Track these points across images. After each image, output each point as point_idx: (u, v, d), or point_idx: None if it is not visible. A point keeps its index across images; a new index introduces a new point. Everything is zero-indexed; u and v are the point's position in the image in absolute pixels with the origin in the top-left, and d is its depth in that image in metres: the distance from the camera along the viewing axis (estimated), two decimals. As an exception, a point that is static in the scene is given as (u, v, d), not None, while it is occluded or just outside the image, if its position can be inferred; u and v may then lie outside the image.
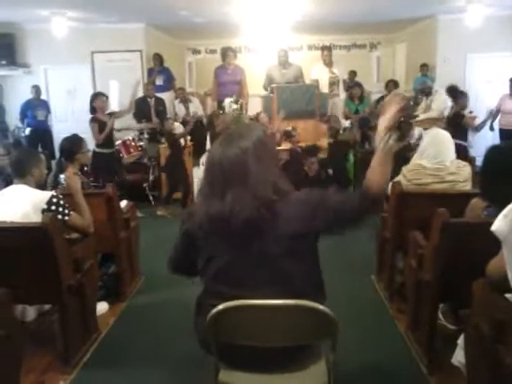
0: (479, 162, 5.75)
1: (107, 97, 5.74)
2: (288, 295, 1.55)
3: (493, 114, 6.60)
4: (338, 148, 6.07)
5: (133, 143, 6.31)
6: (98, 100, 5.50)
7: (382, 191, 1.63)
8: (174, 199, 5.91)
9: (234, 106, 6.63)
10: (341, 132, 6.73)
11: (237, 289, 1.60)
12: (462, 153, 5.12)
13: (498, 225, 1.55)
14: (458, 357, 2.09)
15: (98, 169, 5.02)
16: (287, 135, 5.74)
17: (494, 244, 1.68)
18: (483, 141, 6.48)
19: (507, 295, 1.65)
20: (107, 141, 5.57)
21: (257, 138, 1.65)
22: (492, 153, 2.37)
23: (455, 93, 5.98)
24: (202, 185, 1.70)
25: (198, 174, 6.26)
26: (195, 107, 7.58)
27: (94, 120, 5.52)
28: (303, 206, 1.61)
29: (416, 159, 3.31)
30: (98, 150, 5.54)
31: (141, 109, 6.95)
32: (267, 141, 1.74)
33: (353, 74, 8.80)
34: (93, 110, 5.54)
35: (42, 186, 2.86)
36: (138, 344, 2.86)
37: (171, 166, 5.82)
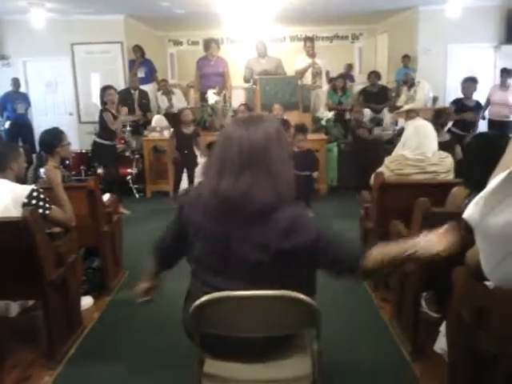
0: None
1: (115, 89, 5.72)
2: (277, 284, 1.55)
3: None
4: None
5: (115, 136, 6.23)
6: (106, 94, 5.54)
7: (376, 271, 1.59)
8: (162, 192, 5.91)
9: (216, 98, 6.61)
10: (323, 123, 6.75)
11: (218, 276, 1.60)
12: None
13: (469, 212, 1.54)
14: (441, 344, 2.13)
15: (97, 159, 4.98)
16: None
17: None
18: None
19: (487, 283, 1.68)
20: (111, 133, 5.54)
21: (278, 127, 1.65)
22: (479, 140, 2.41)
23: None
24: (210, 161, 1.64)
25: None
26: (178, 99, 7.51)
27: (106, 109, 5.53)
28: (306, 242, 1.53)
29: (398, 150, 3.35)
30: (99, 140, 5.52)
31: (124, 101, 6.86)
32: (284, 133, 1.71)
33: (349, 67, 8.89)
34: (103, 104, 5.56)
35: (21, 180, 2.82)
36: (122, 338, 2.85)
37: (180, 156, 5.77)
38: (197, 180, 5.79)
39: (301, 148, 5.06)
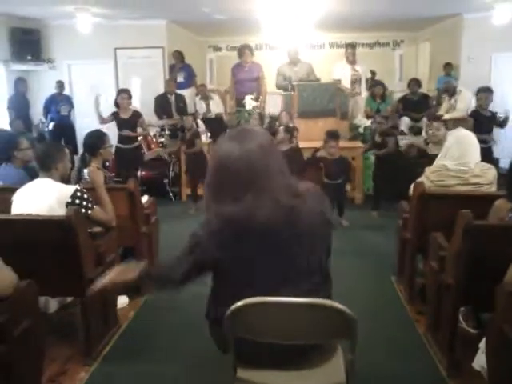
0: (503, 163, 5.68)
1: (130, 95, 5.91)
2: (304, 292, 1.57)
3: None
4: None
5: (154, 139, 6.38)
6: (119, 97, 5.83)
7: None
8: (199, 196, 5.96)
9: (254, 104, 6.65)
10: (361, 131, 6.68)
11: (256, 289, 1.58)
12: (487, 155, 5.03)
13: None
14: (480, 361, 2.07)
15: (117, 163, 5.12)
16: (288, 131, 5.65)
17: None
18: (510, 142, 6.39)
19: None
20: (127, 137, 5.71)
21: (268, 138, 1.66)
22: None
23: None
24: (208, 181, 1.63)
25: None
26: (216, 104, 7.60)
27: (112, 114, 5.85)
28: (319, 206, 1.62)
29: (439, 160, 3.27)
30: (117, 145, 5.69)
31: (161, 105, 7.01)
32: (274, 143, 1.74)
33: (373, 74, 8.74)
34: (116, 105, 5.82)
35: (66, 180, 2.91)
36: (156, 338, 2.89)
37: (190, 163, 5.84)
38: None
39: (332, 155, 4.96)
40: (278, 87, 6.99)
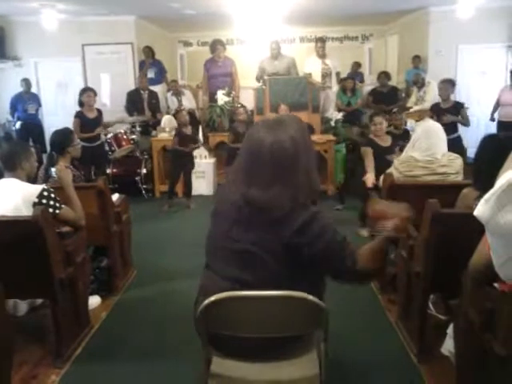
0: (471, 153, 5.80)
1: (95, 93, 5.85)
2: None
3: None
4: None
5: (124, 136, 6.29)
6: (84, 95, 5.73)
7: (369, 271, 1.64)
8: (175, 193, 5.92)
9: (226, 99, 6.63)
10: (332, 124, 6.74)
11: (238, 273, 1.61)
12: (457, 144, 5.13)
13: (480, 209, 1.55)
14: (448, 346, 2.12)
15: (80, 162, 5.03)
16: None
17: (482, 234, 1.70)
18: (475, 132, 6.53)
19: (495, 284, 1.67)
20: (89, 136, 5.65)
21: (304, 131, 1.68)
22: (488, 142, 2.40)
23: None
24: (238, 165, 1.67)
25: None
26: (188, 100, 7.54)
27: (77, 115, 5.75)
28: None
29: (408, 151, 3.33)
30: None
31: (134, 101, 6.92)
32: (309, 136, 1.75)
33: (356, 65, 8.80)
34: (81, 103, 5.77)
35: (32, 180, 2.84)
36: (130, 337, 2.86)
37: (177, 159, 5.78)
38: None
39: None
40: (258, 81, 6.99)
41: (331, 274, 1.68)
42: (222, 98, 6.64)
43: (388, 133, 5.26)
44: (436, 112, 5.73)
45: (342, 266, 1.59)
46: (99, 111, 5.93)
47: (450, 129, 5.49)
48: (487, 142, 2.40)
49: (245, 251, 1.59)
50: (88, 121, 5.74)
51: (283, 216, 1.55)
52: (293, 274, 1.60)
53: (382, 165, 4.13)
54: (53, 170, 3.31)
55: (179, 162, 5.75)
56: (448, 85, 5.76)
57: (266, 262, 1.58)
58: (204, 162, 6.40)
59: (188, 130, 5.78)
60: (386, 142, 4.51)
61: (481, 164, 2.39)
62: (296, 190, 1.57)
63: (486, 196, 1.54)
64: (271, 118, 1.82)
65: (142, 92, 6.97)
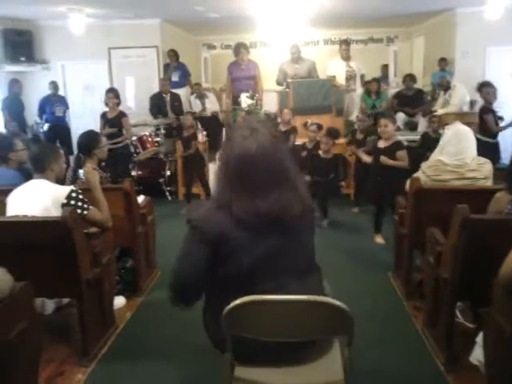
0: (504, 159, 5.68)
1: (116, 94, 6.08)
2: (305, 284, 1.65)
3: None
4: None
5: (149, 139, 6.36)
6: (105, 96, 6.04)
7: None
8: (193, 194, 5.95)
9: (250, 102, 6.64)
10: (356, 127, 6.68)
11: (269, 283, 1.61)
12: (492, 150, 5.02)
13: None
14: (477, 355, 2.07)
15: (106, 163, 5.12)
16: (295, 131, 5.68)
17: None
18: (503, 136, 6.36)
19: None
20: (112, 136, 5.78)
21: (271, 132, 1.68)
22: None
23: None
24: (225, 181, 1.63)
25: (214, 169, 6.28)
26: (211, 103, 7.58)
27: (101, 116, 6.00)
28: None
29: (436, 155, 3.27)
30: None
31: (157, 104, 6.99)
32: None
33: (385, 68, 8.72)
34: (106, 104, 6.03)
35: (61, 181, 2.89)
36: (154, 338, 2.88)
37: (187, 163, 5.82)
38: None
39: (327, 153, 4.92)
40: (279, 84, 6.99)
41: None
42: (245, 100, 6.65)
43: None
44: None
45: None
46: (121, 113, 6.07)
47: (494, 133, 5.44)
48: None
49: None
50: (107, 120, 5.96)
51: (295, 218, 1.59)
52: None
53: (376, 165, 4.31)
54: (80, 171, 3.36)
55: (189, 166, 5.81)
56: (489, 89, 5.57)
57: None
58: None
59: (188, 133, 5.81)
60: (386, 143, 4.39)
61: None
62: (297, 192, 1.63)
63: None
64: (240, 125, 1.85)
65: (164, 95, 7.04)
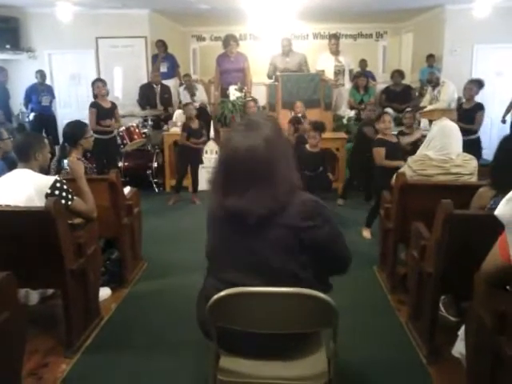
0: (484, 154, 5.75)
1: (105, 83, 5.90)
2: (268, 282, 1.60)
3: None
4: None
5: (136, 130, 6.31)
6: (94, 86, 5.82)
7: None
8: (182, 187, 5.92)
9: (238, 94, 6.62)
10: (344, 122, 6.70)
11: (239, 277, 1.62)
12: (474, 146, 5.07)
13: (501, 209, 1.54)
14: (459, 348, 2.09)
15: (93, 154, 5.07)
16: (297, 121, 5.62)
17: (496, 236, 1.68)
18: (489, 133, 6.46)
19: (508, 287, 1.65)
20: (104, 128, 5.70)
21: (277, 129, 1.67)
22: (507, 142, 2.39)
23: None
24: (215, 174, 1.67)
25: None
26: (200, 94, 7.55)
27: (92, 105, 5.80)
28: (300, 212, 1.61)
29: (422, 150, 3.30)
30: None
31: (146, 95, 6.93)
32: (283, 134, 1.75)
33: (363, 62, 8.71)
34: (94, 95, 5.82)
35: (45, 171, 2.86)
36: (139, 329, 2.88)
37: (184, 153, 5.78)
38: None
39: (313, 147, 4.84)
40: (269, 77, 6.97)
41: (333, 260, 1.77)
42: (234, 93, 6.63)
43: (400, 132, 5.24)
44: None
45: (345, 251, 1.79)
46: (113, 104, 5.98)
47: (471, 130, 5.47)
48: (506, 142, 2.37)
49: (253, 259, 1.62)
50: (104, 110, 5.79)
51: (261, 220, 1.57)
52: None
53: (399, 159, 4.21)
54: (65, 161, 3.33)
55: (186, 158, 5.76)
56: (474, 85, 5.67)
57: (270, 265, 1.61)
58: (215, 157, 6.38)
59: (195, 124, 5.76)
60: (393, 138, 4.55)
61: (498, 163, 2.37)
62: (275, 190, 1.57)
63: (508, 196, 1.52)
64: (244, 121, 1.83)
65: (154, 86, 6.99)
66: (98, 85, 5.80)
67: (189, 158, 5.76)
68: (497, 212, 1.55)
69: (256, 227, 1.58)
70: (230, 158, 1.61)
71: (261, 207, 1.55)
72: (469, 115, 5.59)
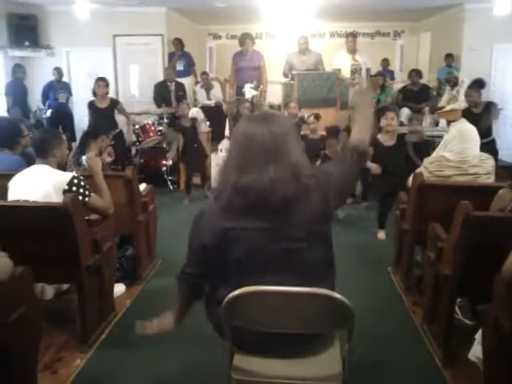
0: (502, 156, 5.65)
1: (107, 83, 6.03)
2: (305, 280, 1.56)
3: None
4: None
5: (152, 127, 6.34)
6: (95, 85, 5.93)
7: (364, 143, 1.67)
8: (193, 185, 5.93)
9: (254, 92, 6.61)
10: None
11: (259, 273, 1.59)
12: (489, 148, 4.98)
13: None
14: (476, 352, 2.07)
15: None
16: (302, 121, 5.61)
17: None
18: (509, 134, 6.36)
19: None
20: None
21: (290, 122, 1.70)
22: None
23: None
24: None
25: (216, 160, 6.26)
26: (216, 93, 7.56)
27: (88, 106, 5.98)
28: (319, 192, 1.60)
29: (439, 151, 3.26)
30: None
31: (161, 93, 6.96)
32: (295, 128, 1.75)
33: (385, 62, 8.65)
34: (94, 93, 5.93)
35: (62, 167, 2.88)
36: (153, 326, 2.89)
37: (187, 152, 5.80)
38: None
39: (333, 153, 4.78)
40: (285, 76, 6.95)
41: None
42: (249, 91, 6.62)
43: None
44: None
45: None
46: (113, 101, 6.06)
47: (484, 132, 5.36)
48: None
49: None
50: (98, 110, 5.85)
51: (288, 200, 1.52)
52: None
53: (387, 165, 4.13)
54: (83, 157, 3.36)
55: (191, 159, 5.76)
56: (474, 91, 5.49)
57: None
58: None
59: (186, 122, 5.76)
60: (391, 140, 4.35)
61: None
62: (295, 168, 1.55)
63: None
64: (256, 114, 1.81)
65: (168, 84, 7.01)
66: (99, 84, 5.90)
67: (192, 159, 5.76)
68: None
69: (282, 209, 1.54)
70: (246, 139, 1.58)
71: (285, 186, 1.51)
72: (479, 119, 5.48)
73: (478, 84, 5.66)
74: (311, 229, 1.59)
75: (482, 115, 5.41)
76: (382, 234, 4.44)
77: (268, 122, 1.59)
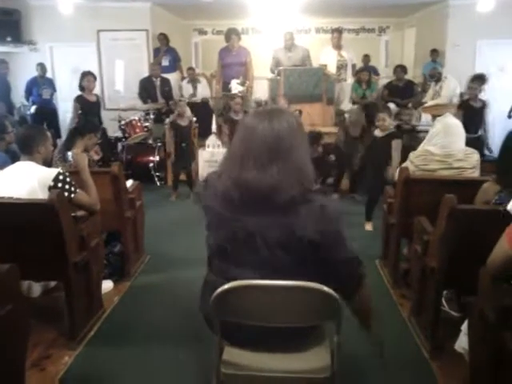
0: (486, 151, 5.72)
1: (95, 77, 5.98)
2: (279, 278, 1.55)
3: None
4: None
5: (139, 123, 6.30)
6: (85, 79, 5.83)
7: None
8: (179, 181, 5.90)
9: (240, 88, 6.60)
10: (346, 116, 6.68)
11: (240, 269, 1.59)
12: (475, 145, 5.07)
13: None
14: (462, 343, 2.10)
15: None
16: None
17: (500, 231, 1.68)
18: (491, 130, 6.42)
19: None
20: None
21: (298, 118, 1.65)
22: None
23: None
24: (231, 153, 1.61)
25: (203, 156, 6.25)
26: (203, 88, 7.53)
27: (76, 99, 5.84)
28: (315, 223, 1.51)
29: (424, 145, 3.30)
30: None
31: (146, 89, 6.91)
32: (302, 125, 1.71)
33: (367, 58, 8.67)
34: (81, 88, 5.85)
35: (48, 163, 2.85)
36: (141, 322, 2.88)
37: (177, 151, 5.75)
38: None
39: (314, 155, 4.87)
40: (272, 71, 6.95)
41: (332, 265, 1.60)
42: (236, 87, 6.61)
43: (398, 127, 5.26)
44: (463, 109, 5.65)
45: (345, 253, 1.63)
46: (97, 96, 6.06)
47: (472, 128, 5.45)
48: (511, 138, 2.37)
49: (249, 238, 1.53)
50: (89, 104, 5.82)
51: (290, 201, 1.47)
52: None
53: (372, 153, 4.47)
54: (69, 153, 3.32)
55: (179, 155, 5.71)
56: (477, 84, 5.64)
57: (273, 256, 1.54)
58: (217, 151, 6.38)
59: (184, 122, 5.72)
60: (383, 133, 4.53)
61: (503, 160, 2.37)
62: (299, 172, 1.51)
63: None
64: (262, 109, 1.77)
65: (154, 79, 6.96)
66: (89, 78, 5.84)
67: (182, 156, 5.72)
68: (509, 207, 1.57)
69: (271, 213, 1.50)
70: (250, 134, 1.55)
71: (290, 186, 1.47)
72: (477, 114, 5.61)
73: (481, 79, 5.73)
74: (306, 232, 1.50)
75: (480, 110, 5.59)
76: (369, 226, 4.49)
77: (271, 117, 1.56)
